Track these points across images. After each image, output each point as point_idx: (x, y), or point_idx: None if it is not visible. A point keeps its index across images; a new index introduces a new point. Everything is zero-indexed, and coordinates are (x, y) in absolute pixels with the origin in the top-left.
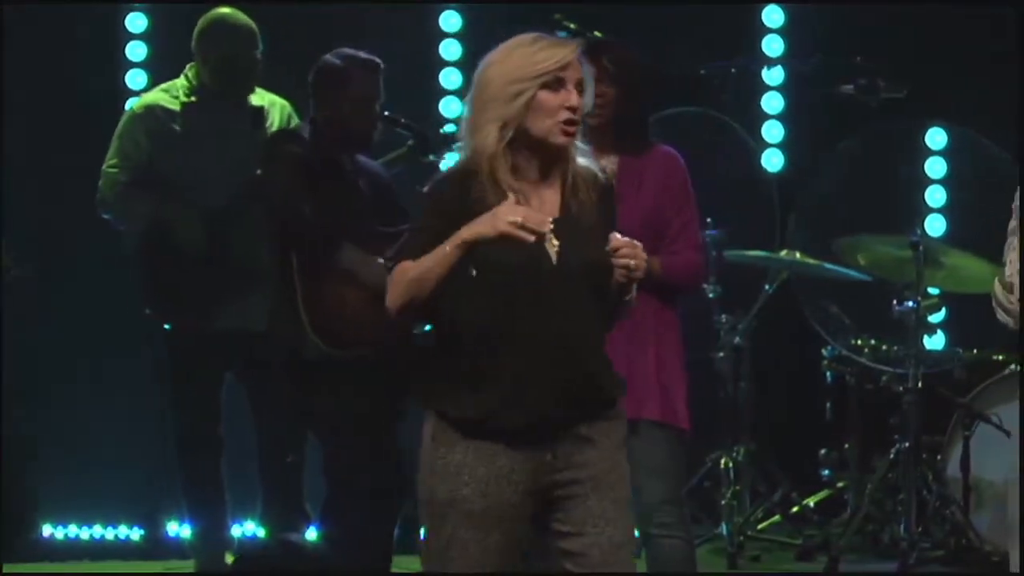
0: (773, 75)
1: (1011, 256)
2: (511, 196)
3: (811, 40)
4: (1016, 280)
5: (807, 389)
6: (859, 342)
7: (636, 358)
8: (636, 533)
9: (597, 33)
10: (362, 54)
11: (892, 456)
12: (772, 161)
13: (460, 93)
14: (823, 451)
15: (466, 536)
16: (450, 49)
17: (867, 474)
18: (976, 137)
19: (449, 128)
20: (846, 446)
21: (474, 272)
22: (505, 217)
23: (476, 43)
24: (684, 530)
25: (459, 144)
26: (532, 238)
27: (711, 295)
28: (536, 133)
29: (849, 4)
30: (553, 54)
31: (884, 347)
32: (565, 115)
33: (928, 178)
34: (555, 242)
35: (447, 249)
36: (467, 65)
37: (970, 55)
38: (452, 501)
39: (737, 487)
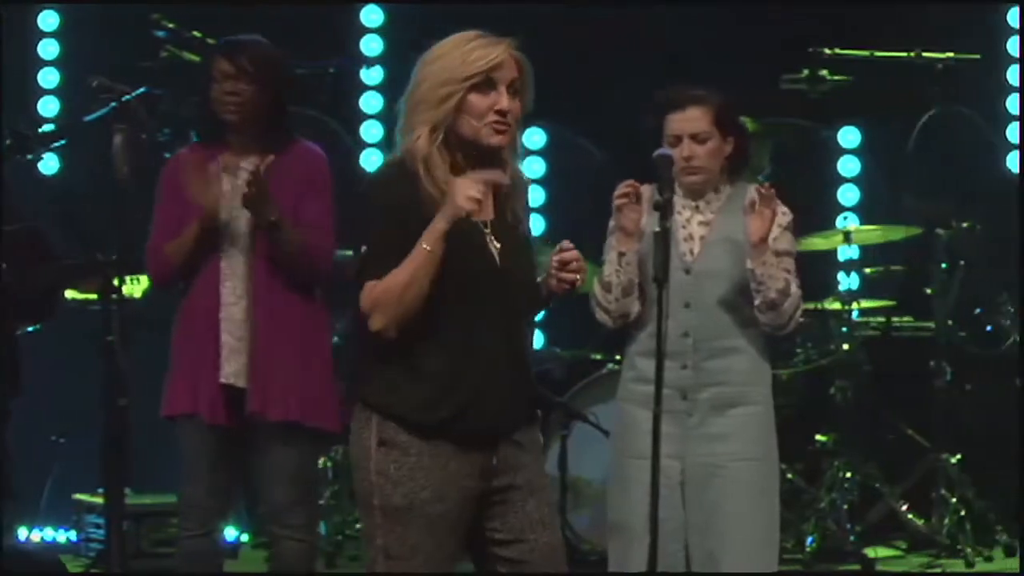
0: (372, 75)
1: (611, 255)
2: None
3: (410, 40)
4: (614, 279)
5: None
6: None
7: (282, 357)
8: None
9: (196, 33)
10: None
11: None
12: (371, 160)
13: (58, 92)
14: None
15: (430, 543)
16: (48, 48)
17: None
18: (573, 136)
19: (48, 127)
20: None
21: None
22: (466, 192)
23: (74, 43)
24: (310, 533)
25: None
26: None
27: None
28: (466, 135)
29: (447, 4)
30: (484, 54)
31: None
32: (493, 117)
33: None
34: (496, 244)
35: (427, 247)
36: (65, 64)
37: (566, 56)
38: (411, 506)
39: (336, 487)
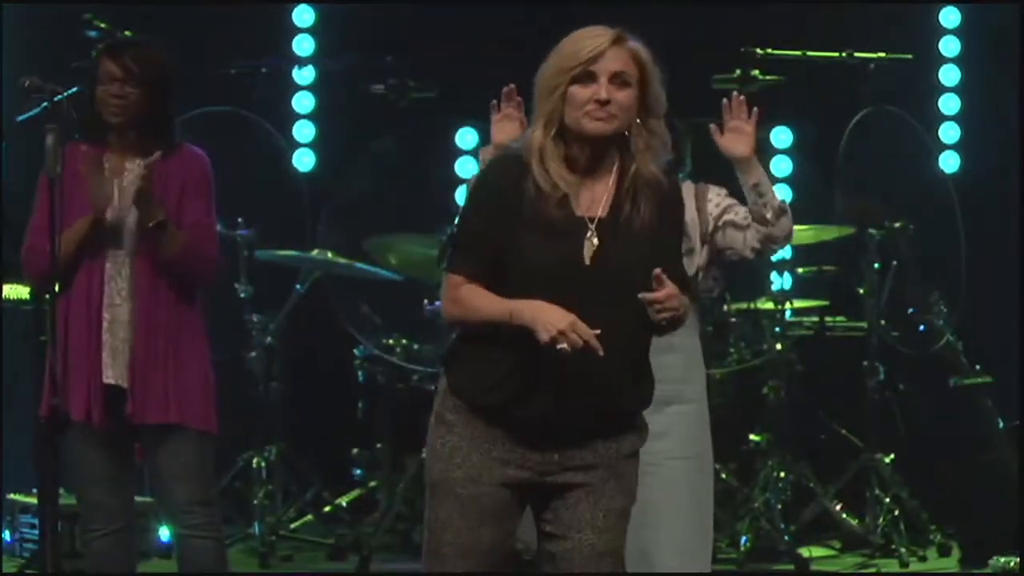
0: (304, 74)
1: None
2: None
3: (342, 40)
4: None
5: (339, 389)
6: (391, 341)
7: (162, 360)
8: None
9: (128, 32)
10: None
11: (423, 455)
12: (304, 160)
13: None
14: (355, 450)
15: (460, 522)
16: None
17: (399, 473)
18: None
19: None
20: (378, 445)
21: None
22: (550, 324)
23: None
24: (215, 530)
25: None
26: (579, 343)
27: (243, 295)
28: (571, 126)
29: (379, 4)
30: (583, 47)
31: (416, 346)
32: (591, 106)
33: (459, 178)
34: (595, 241)
35: (502, 312)
36: None
37: (497, 54)
38: (443, 482)
39: (269, 486)
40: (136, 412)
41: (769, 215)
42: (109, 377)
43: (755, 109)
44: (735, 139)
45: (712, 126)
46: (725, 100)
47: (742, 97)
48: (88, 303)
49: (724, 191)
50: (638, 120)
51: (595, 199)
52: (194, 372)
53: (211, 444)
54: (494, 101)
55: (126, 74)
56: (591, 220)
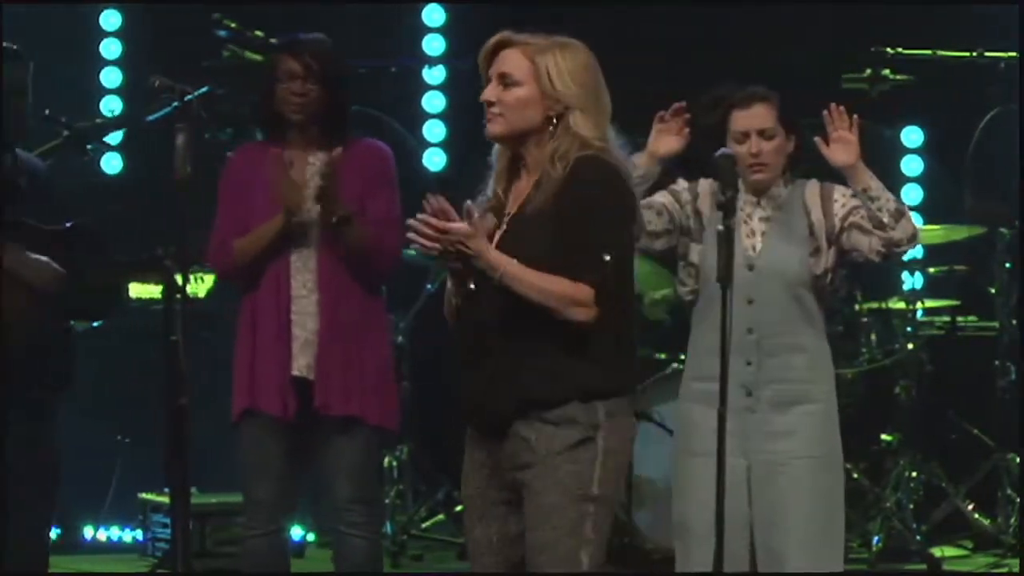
0: (434, 74)
1: None
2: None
3: (471, 39)
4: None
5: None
6: None
7: (346, 353)
8: None
9: (258, 32)
10: None
11: None
12: (434, 160)
13: (120, 91)
14: None
15: (468, 523)
16: (110, 48)
17: None
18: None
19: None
20: None
21: (472, 286)
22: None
23: (136, 42)
24: (372, 530)
25: None
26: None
27: None
28: None
29: (508, 4)
30: (480, 54)
31: None
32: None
33: None
34: (496, 236)
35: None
36: (127, 64)
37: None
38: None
39: (400, 486)
40: (323, 404)
41: (886, 219)
42: (299, 369)
43: (855, 117)
44: (839, 149)
45: (816, 139)
46: (825, 112)
47: (841, 107)
48: (276, 297)
49: (850, 191)
50: (553, 115)
51: (517, 197)
52: (376, 365)
53: (383, 440)
54: (661, 112)
55: (306, 71)
56: (507, 216)
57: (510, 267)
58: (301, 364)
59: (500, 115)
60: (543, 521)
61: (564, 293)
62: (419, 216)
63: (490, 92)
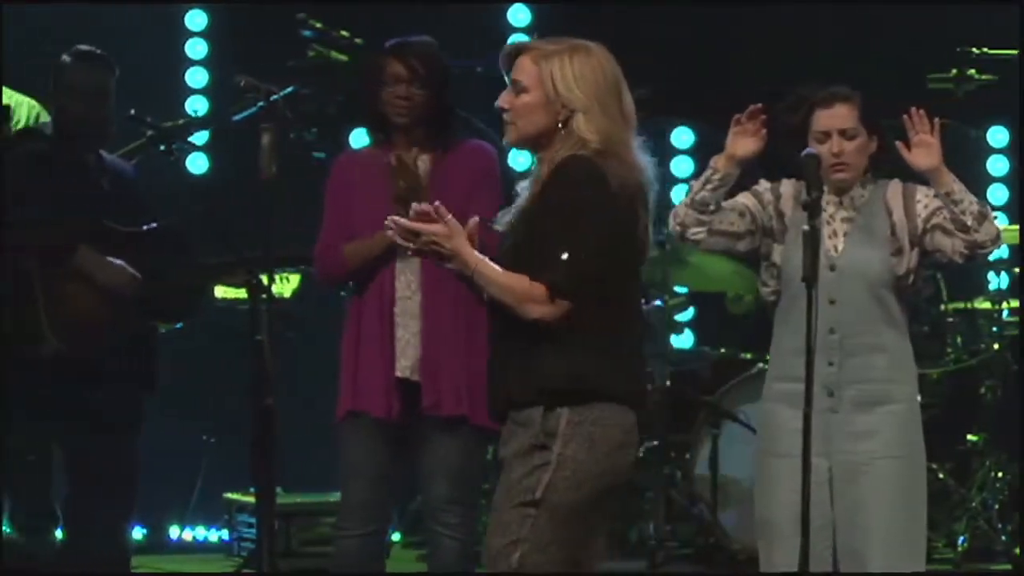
0: None
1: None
2: None
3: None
4: (695, 187)
5: None
6: None
7: (451, 352)
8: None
9: (343, 32)
10: (83, 47)
11: (640, 454)
12: (519, 160)
13: (205, 91)
14: None
15: None
16: (196, 48)
17: None
18: (723, 137)
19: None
20: None
21: None
22: None
23: (221, 42)
24: (466, 532)
25: None
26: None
27: None
28: None
29: (593, 3)
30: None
31: None
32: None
33: (674, 177)
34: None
35: None
36: (212, 64)
37: (715, 54)
38: None
39: (485, 486)
40: (431, 404)
41: (970, 222)
42: (402, 370)
43: (936, 120)
44: (921, 153)
45: (898, 143)
46: (905, 116)
47: (922, 111)
48: (380, 298)
49: (932, 191)
50: (561, 120)
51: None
52: (479, 365)
53: (487, 442)
54: (737, 115)
55: (412, 75)
56: None
57: (479, 266)
58: (404, 365)
59: (512, 122)
60: (491, 515)
61: (518, 290)
62: (390, 219)
63: (502, 99)
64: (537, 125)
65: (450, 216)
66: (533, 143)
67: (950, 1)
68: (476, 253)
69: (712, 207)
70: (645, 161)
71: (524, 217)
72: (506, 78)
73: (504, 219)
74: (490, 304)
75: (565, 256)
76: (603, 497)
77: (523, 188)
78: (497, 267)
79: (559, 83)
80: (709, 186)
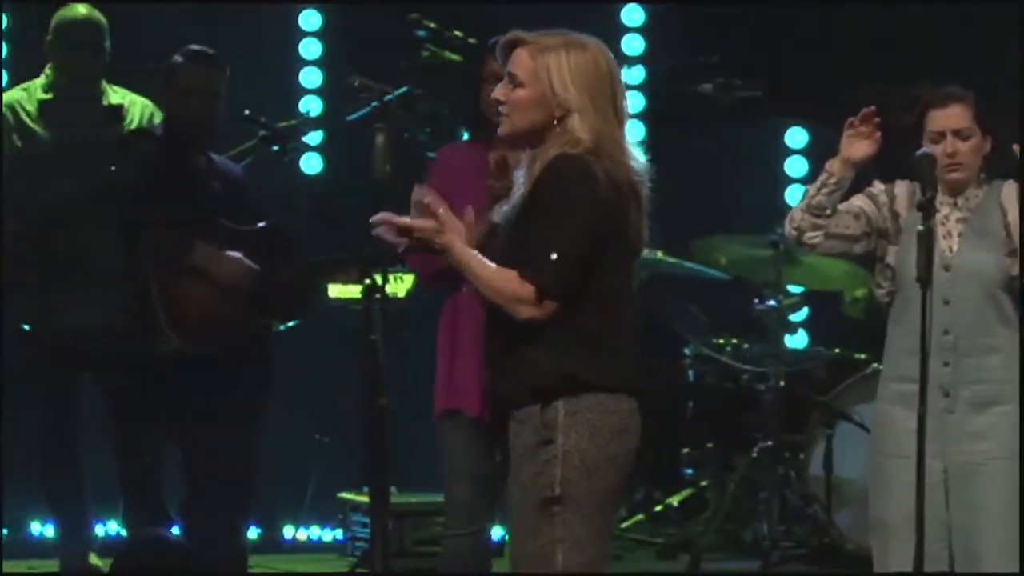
0: (633, 74)
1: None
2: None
3: (670, 39)
4: (810, 192)
5: (669, 388)
6: (720, 340)
7: None
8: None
9: (457, 32)
10: (195, 47)
11: (754, 455)
12: None
13: (320, 92)
14: (685, 450)
15: None
16: (310, 48)
17: (728, 473)
18: (837, 136)
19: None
20: (708, 445)
21: None
22: None
23: (335, 43)
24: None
25: None
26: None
27: None
28: None
29: (707, 4)
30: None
31: (745, 346)
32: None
33: (788, 177)
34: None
35: None
36: (327, 64)
37: (828, 54)
38: None
39: None
40: None
41: None
42: None
43: None
44: None
45: (1015, 145)
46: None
47: None
48: (472, 296)
49: None
50: (557, 117)
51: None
52: None
53: None
54: (851, 119)
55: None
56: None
57: (470, 262)
58: None
59: (506, 116)
60: (512, 521)
61: (508, 290)
62: (379, 216)
63: (498, 91)
64: (532, 120)
65: (443, 210)
66: (526, 137)
67: None
68: (467, 249)
69: (828, 211)
70: (638, 158)
71: (516, 213)
72: (503, 70)
73: (501, 211)
74: (482, 299)
75: (555, 257)
76: (616, 483)
77: (518, 181)
78: (488, 263)
79: (555, 80)
80: (825, 190)
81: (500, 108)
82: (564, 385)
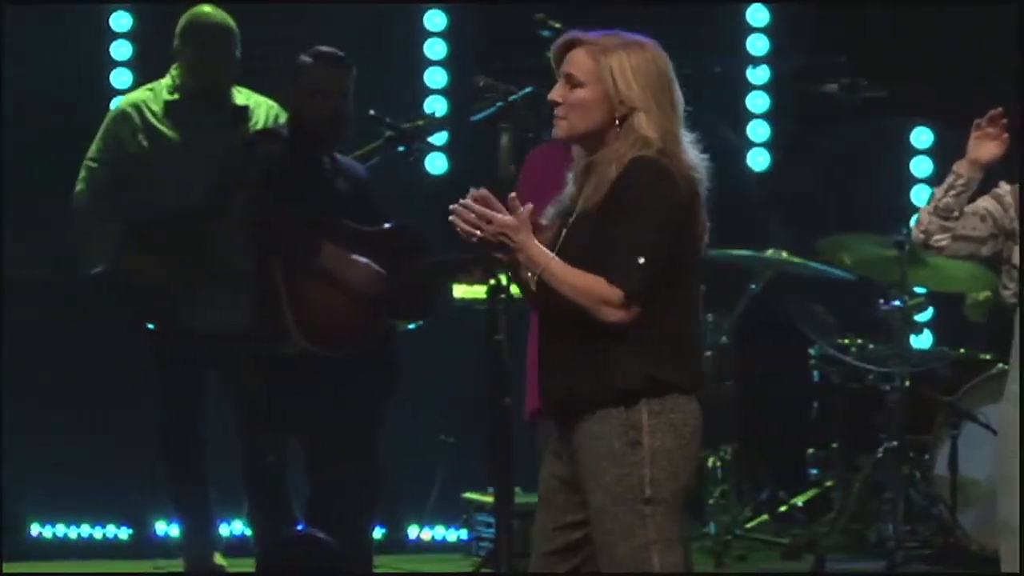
0: (758, 74)
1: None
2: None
3: (795, 39)
4: (938, 195)
5: (794, 388)
6: (845, 341)
7: None
8: None
9: None
10: (323, 48)
11: (879, 455)
12: (758, 160)
13: (444, 92)
14: (810, 450)
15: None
16: (435, 48)
17: (853, 473)
18: (963, 136)
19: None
20: (833, 445)
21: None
22: None
23: (460, 43)
24: None
25: None
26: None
27: None
28: None
29: (833, 4)
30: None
31: (870, 346)
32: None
33: (914, 177)
34: (562, 232)
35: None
36: (451, 64)
37: (953, 53)
38: None
39: (725, 486)
40: None
41: None
42: None
43: None
44: None
45: None
46: None
47: None
48: (529, 299)
49: None
50: (619, 117)
51: (584, 198)
52: None
53: None
54: (978, 120)
55: None
56: (572, 217)
57: (551, 264)
58: None
59: (564, 117)
60: (596, 523)
61: (595, 294)
62: (463, 201)
63: (555, 93)
64: (593, 121)
65: (522, 209)
66: (586, 139)
67: None
68: (545, 250)
69: (955, 213)
70: (698, 156)
71: (592, 219)
72: (556, 72)
73: (550, 213)
74: (545, 301)
75: (642, 261)
76: (691, 482)
77: (570, 183)
78: (568, 266)
79: (619, 79)
80: (952, 192)
81: (558, 110)
82: (649, 386)
